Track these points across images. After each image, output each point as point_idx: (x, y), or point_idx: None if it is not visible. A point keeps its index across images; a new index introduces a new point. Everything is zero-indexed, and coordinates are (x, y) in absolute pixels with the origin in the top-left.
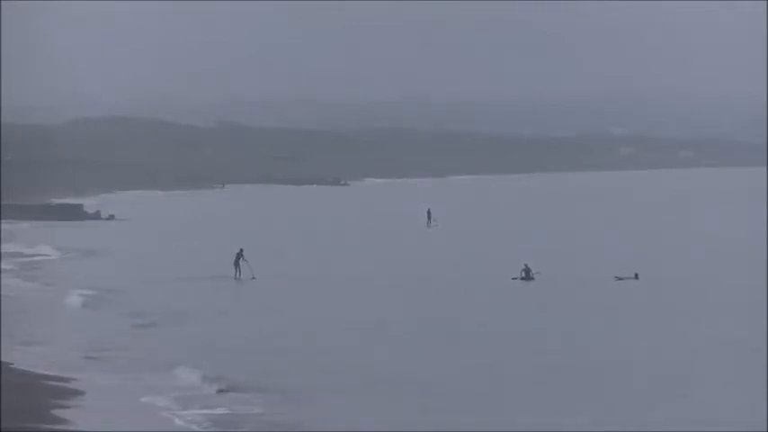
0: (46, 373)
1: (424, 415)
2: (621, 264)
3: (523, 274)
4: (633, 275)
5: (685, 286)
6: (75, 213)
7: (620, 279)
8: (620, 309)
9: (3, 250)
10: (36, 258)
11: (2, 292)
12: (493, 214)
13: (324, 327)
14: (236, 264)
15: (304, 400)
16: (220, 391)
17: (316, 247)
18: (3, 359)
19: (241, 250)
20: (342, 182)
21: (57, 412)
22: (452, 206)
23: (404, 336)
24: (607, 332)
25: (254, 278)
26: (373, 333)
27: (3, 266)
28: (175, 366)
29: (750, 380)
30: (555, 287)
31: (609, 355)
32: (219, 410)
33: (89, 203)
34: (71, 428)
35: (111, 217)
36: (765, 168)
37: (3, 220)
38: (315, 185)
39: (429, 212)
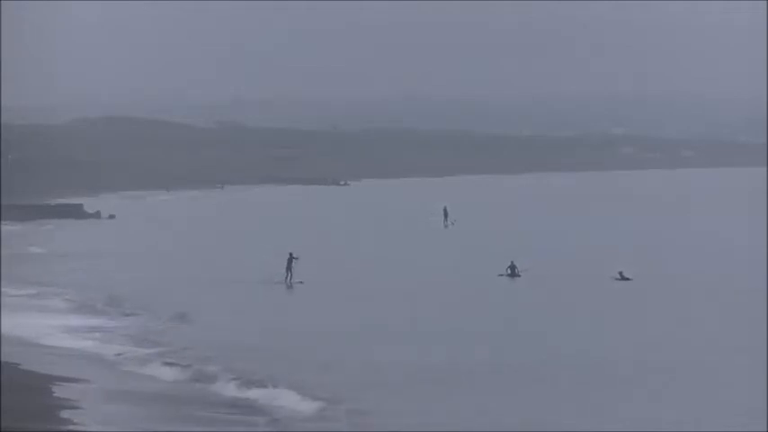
0: (52, 373)
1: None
2: (619, 263)
3: (509, 272)
4: (618, 274)
5: (684, 286)
6: (75, 213)
7: (623, 279)
8: (611, 308)
9: (3, 250)
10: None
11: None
12: (493, 214)
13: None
14: (289, 267)
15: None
16: None
17: (331, 249)
18: (10, 360)
19: (291, 254)
20: (342, 182)
21: (63, 413)
22: (453, 206)
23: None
24: (590, 331)
25: (298, 283)
26: (392, 329)
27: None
28: None
29: (750, 380)
30: (539, 285)
31: (591, 355)
32: None
33: (89, 203)
34: (74, 429)
35: (112, 217)
36: (765, 168)
37: (3, 221)
38: (315, 185)
39: (445, 211)
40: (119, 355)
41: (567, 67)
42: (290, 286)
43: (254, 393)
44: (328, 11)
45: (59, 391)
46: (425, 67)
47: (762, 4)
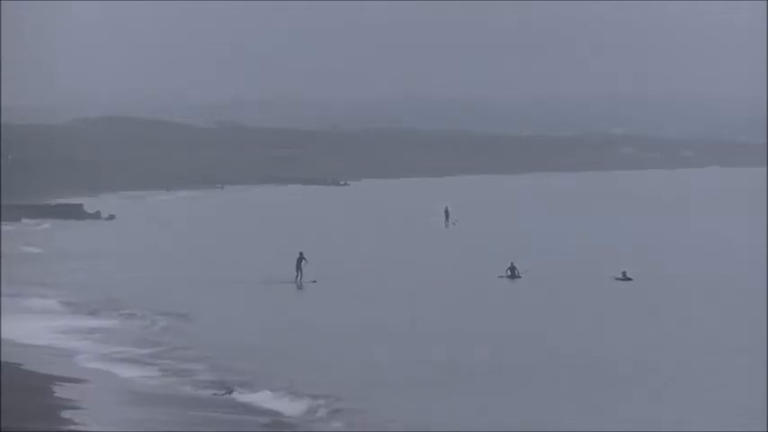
0: (52, 373)
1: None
2: (619, 263)
3: (509, 273)
4: (621, 274)
5: (684, 286)
6: (75, 213)
7: (625, 279)
8: (611, 308)
9: (3, 250)
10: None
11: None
12: (493, 214)
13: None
14: (298, 267)
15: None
16: None
17: (331, 249)
18: (11, 360)
19: (301, 253)
20: (341, 182)
21: (63, 413)
22: (453, 206)
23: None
24: (590, 331)
25: (310, 282)
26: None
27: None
28: None
29: (750, 380)
30: (539, 284)
31: (591, 355)
32: None
33: (89, 203)
34: (74, 429)
35: (112, 217)
36: (765, 168)
37: (3, 221)
38: (315, 185)
39: (447, 211)
40: (115, 354)
41: (567, 67)
42: (300, 286)
43: (253, 393)
44: (328, 11)
45: (60, 391)
46: (425, 67)
47: (762, 4)
